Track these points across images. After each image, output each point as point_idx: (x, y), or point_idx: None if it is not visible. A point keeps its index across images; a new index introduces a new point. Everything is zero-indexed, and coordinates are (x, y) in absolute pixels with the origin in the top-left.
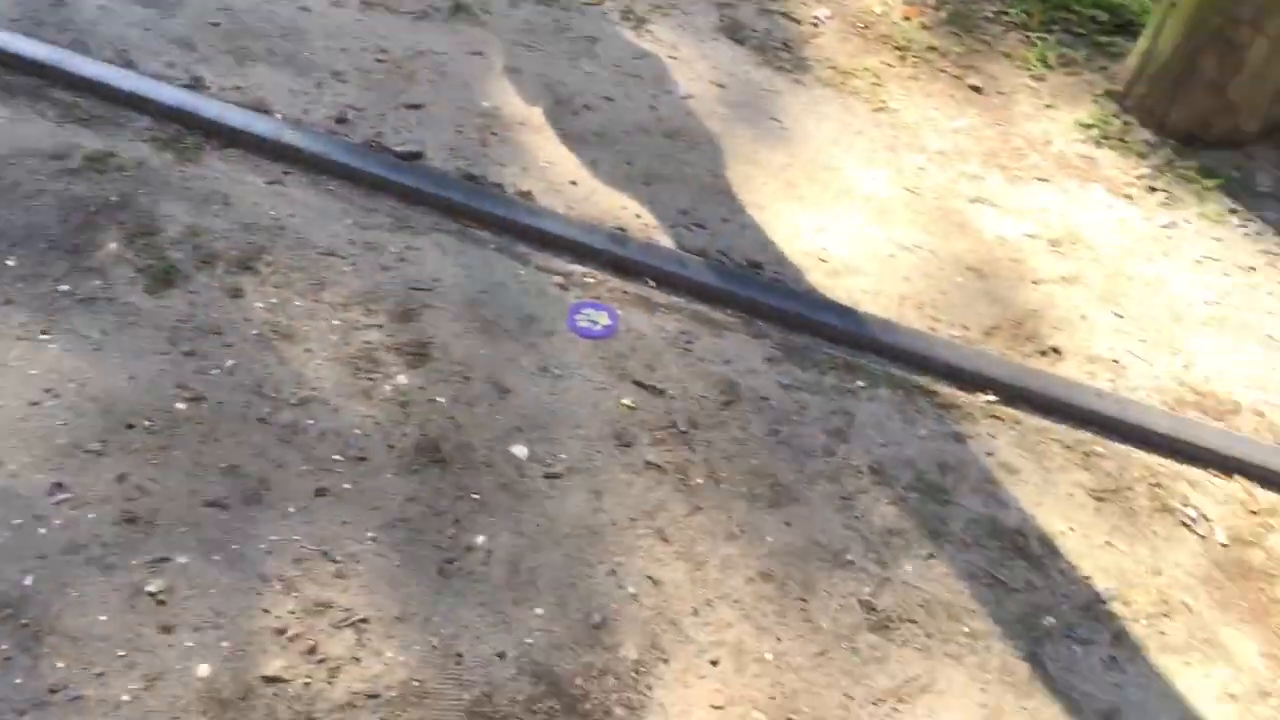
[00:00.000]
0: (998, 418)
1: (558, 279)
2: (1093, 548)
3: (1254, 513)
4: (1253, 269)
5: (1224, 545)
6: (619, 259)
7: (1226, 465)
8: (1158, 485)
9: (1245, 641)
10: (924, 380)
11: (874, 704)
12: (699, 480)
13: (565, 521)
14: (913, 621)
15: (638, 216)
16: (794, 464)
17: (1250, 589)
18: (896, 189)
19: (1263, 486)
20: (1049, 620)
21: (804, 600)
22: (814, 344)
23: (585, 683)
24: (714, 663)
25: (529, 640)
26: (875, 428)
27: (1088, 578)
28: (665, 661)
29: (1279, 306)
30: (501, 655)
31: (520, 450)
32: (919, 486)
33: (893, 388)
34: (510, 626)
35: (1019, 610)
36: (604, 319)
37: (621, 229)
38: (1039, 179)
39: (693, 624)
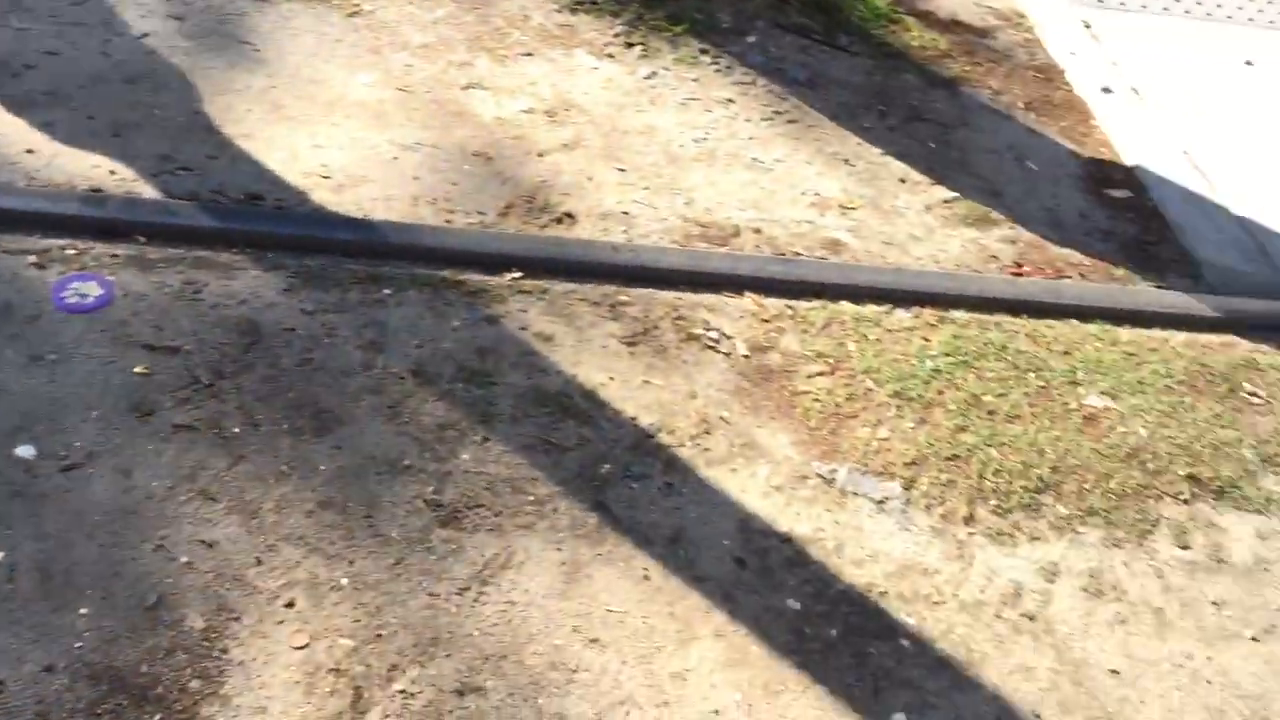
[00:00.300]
0: (526, 292)
1: (32, 259)
2: (633, 390)
3: (766, 321)
4: (730, 101)
5: (746, 356)
6: (100, 222)
7: (736, 284)
8: (681, 318)
9: (778, 436)
10: (449, 273)
11: (459, 594)
12: (236, 429)
13: (95, 511)
14: (480, 506)
15: (113, 173)
16: (333, 387)
17: (774, 389)
18: (388, 90)
19: (769, 295)
20: (606, 467)
21: (370, 517)
22: (332, 264)
23: (152, 668)
24: (289, 605)
25: (79, 644)
26: (409, 331)
27: (633, 418)
28: (236, 619)
29: (758, 131)
30: (50, 669)
31: (26, 450)
32: (462, 376)
33: (419, 288)
34: (54, 637)
35: (577, 466)
36: (95, 289)
37: (96, 189)
38: (525, 55)
39: (258, 573)
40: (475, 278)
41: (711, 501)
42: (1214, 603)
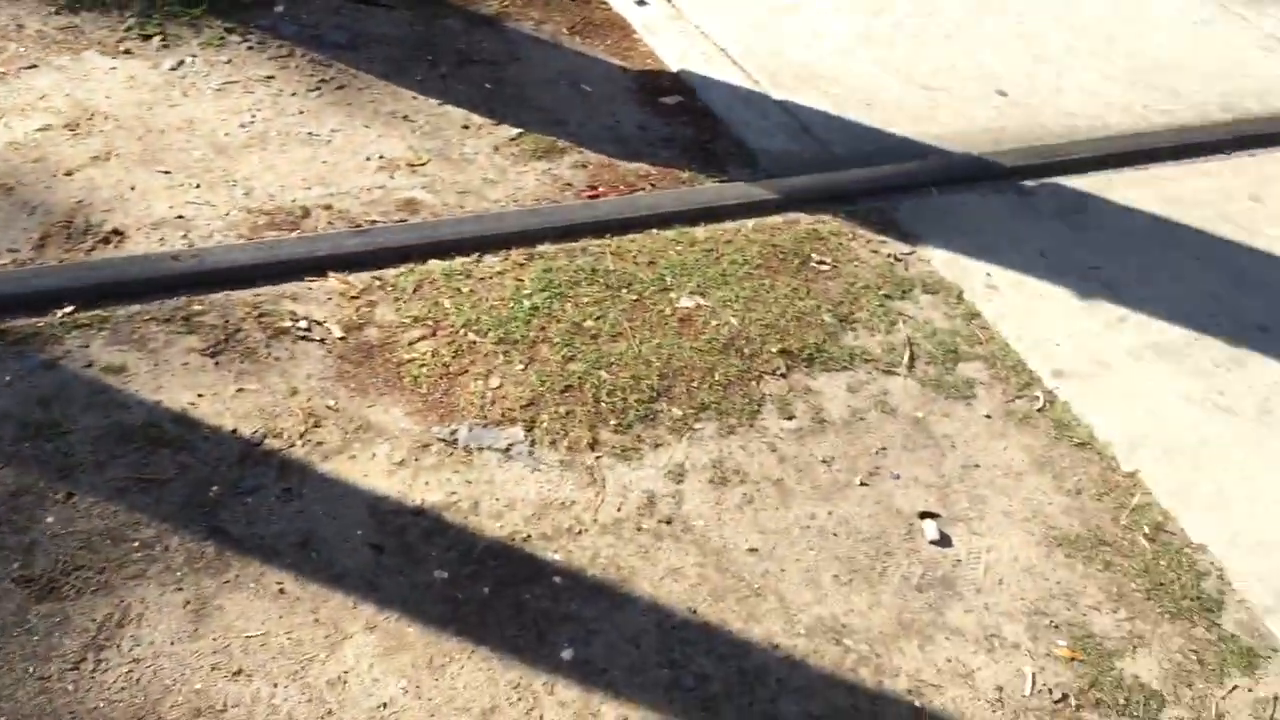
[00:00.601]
0: (84, 325)
1: None
2: (227, 402)
3: (355, 297)
4: (270, 78)
5: (342, 338)
6: None
7: (317, 266)
8: (264, 315)
9: (391, 411)
10: None
11: (74, 669)
12: None
13: None
14: (80, 568)
15: None
16: None
17: (378, 364)
18: None
19: (353, 271)
20: (214, 489)
21: None
22: None
23: None
24: None
25: None
26: None
27: (234, 431)
28: None
29: (307, 104)
30: None
31: None
32: (27, 434)
33: None
34: None
35: (181, 497)
36: None
37: None
38: (28, 68)
39: None
40: (20, 323)
41: (336, 495)
42: (824, 461)
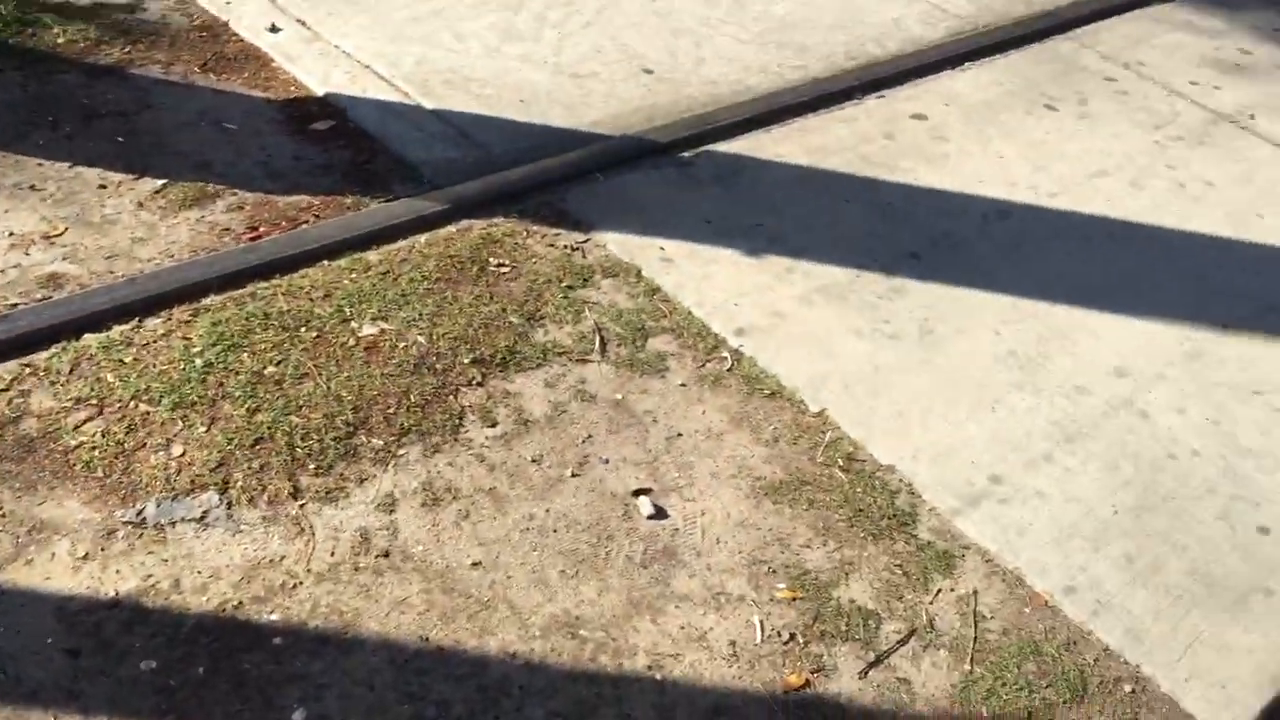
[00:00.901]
0: None
1: None
2: None
3: (4, 390)
4: None
5: None
6: None
7: None
8: None
9: (66, 503)
10: None
11: None
12: None
13: None
14: None
15: None
16: None
17: (43, 456)
18: None
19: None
20: None
21: None
22: None
23: None
24: None
25: None
26: None
27: None
28: None
29: None
30: None
31: None
32: None
33: None
34: None
35: None
36: None
37: None
38: None
39: None
40: None
41: (15, 606)
42: (533, 460)
